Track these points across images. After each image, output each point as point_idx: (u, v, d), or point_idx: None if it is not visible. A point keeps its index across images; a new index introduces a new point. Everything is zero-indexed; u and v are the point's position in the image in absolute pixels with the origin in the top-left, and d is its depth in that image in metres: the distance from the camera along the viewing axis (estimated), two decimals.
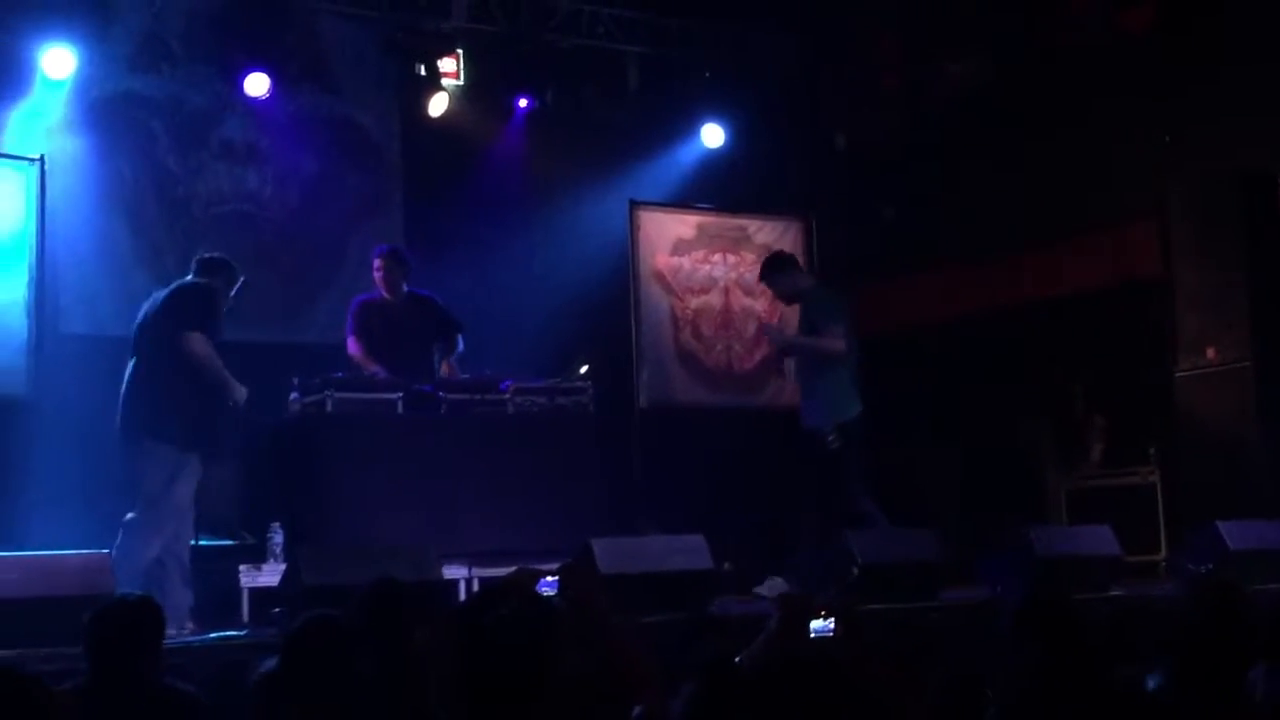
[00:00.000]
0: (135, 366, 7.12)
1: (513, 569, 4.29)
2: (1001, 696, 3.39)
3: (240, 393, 7.07)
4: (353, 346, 8.33)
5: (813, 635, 3.73)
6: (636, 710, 3.26)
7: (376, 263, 8.43)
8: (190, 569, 7.00)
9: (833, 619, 3.73)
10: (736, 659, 3.60)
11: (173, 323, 7.04)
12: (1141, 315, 9.74)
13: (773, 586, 7.61)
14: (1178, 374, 9.36)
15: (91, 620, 4.14)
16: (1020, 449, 10.50)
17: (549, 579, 4.04)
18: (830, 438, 7.90)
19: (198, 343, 6.98)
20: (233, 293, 7.33)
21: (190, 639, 6.25)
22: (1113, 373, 10.12)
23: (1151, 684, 3.54)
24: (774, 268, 8.41)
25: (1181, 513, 9.01)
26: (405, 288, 8.42)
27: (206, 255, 7.41)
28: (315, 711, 3.44)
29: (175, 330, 7.00)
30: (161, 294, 7.23)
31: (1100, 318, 10.10)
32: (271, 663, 3.74)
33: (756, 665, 3.56)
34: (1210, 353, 9.21)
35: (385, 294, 8.40)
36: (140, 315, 7.22)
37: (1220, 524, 7.64)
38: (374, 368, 8.15)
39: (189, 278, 7.30)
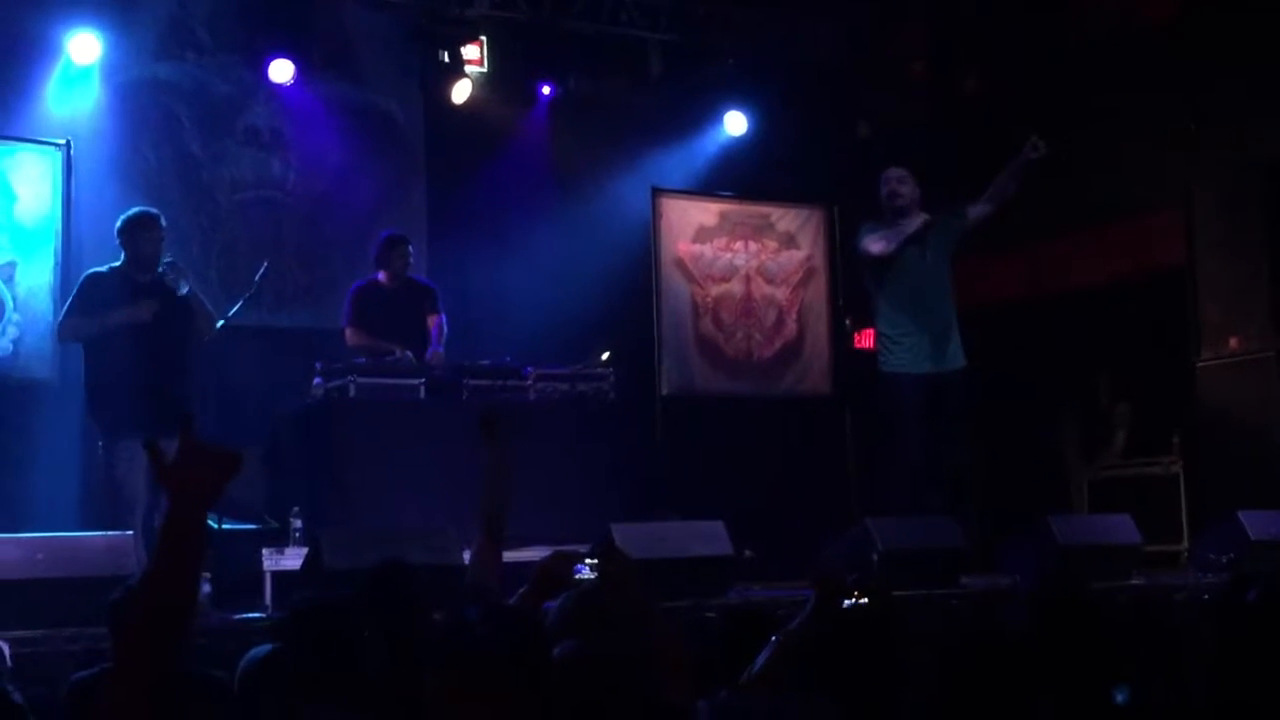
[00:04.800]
0: None
1: (547, 552, 4.32)
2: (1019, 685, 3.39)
3: (138, 311, 7.19)
4: (352, 337, 8.38)
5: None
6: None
7: (410, 247, 8.52)
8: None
9: (865, 599, 3.76)
10: (773, 638, 3.63)
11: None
12: (1165, 305, 9.72)
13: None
14: (1200, 364, 9.35)
15: (110, 606, 4.17)
16: (1043, 438, 10.49)
17: (585, 563, 4.06)
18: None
19: (63, 331, 7.37)
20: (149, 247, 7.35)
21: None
22: (1136, 362, 10.11)
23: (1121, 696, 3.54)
24: None
25: (1204, 502, 9.01)
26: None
27: (116, 226, 7.49)
28: (320, 698, 3.40)
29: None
30: None
31: (1124, 307, 10.08)
32: (262, 650, 3.72)
33: (794, 643, 3.59)
34: (1233, 342, 9.21)
35: (389, 279, 8.44)
36: None
37: (1242, 514, 7.63)
38: (385, 345, 8.18)
39: None
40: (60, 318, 7.45)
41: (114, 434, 7.10)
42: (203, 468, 2.21)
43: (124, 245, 7.35)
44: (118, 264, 7.36)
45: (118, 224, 7.38)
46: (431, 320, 8.43)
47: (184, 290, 7.28)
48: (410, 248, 8.56)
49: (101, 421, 7.23)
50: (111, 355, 7.16)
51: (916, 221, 8.04)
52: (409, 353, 8.16)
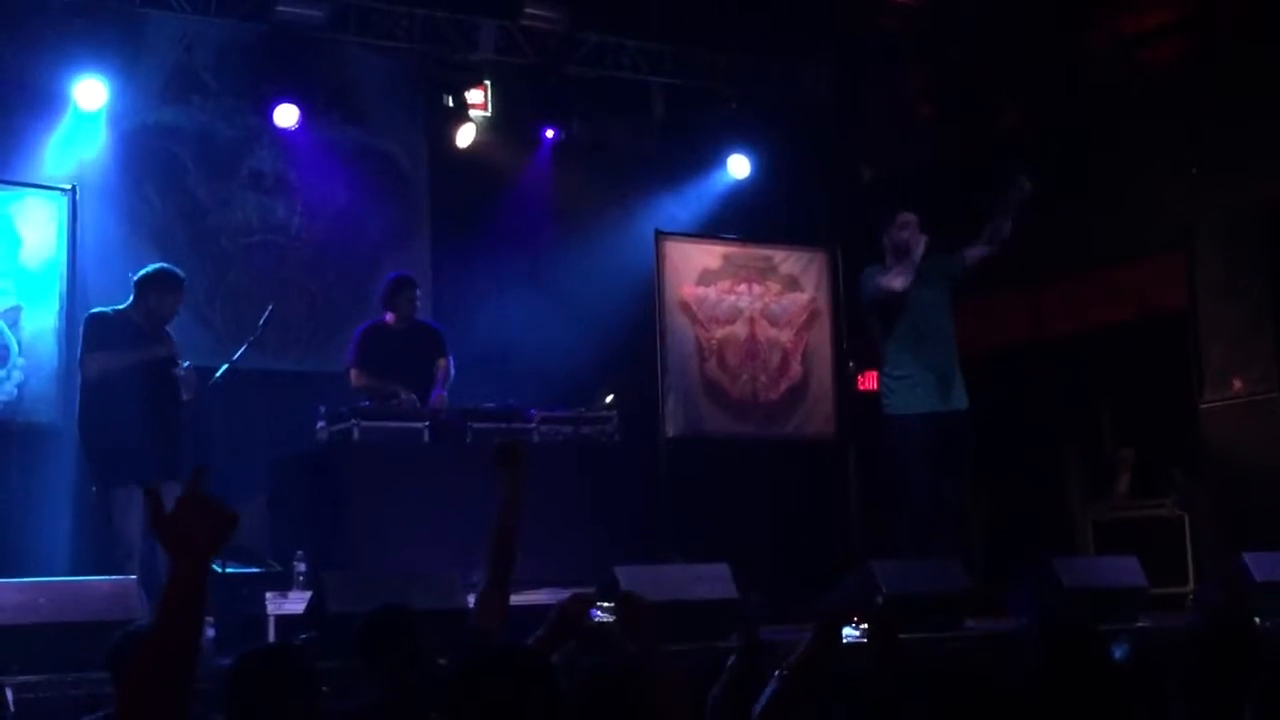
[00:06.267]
0: None
1: (550, 595, 4.30)
2: None
3: (156, 349, 7.19)
4: (356, 378, 8.36)
5: (844, 642, 3.75)
6: None
7: (417, 290, 8.51)
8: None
9: (864, 626, 3.75)
10: (776, 672, 3.61)
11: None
12: (1168, 347, 9.72)
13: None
14: (1204, 406, 9.34)
15: (111, 652, 4.14)
16: (1047, 480, 10.47)
17: (599, 607, 4.05)
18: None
19: (88, 367, 7.24)
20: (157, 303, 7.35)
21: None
22: (1140, 405, 10.10)
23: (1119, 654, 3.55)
24: None
25: (1208, 544, 8.98)
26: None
27: (138, 274, 7.48)
28: None
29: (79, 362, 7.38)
30: None
31: (1127, 350, 10.08)
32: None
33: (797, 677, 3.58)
34: (1237, 384, 9.19)
35: (396, 321, 8.44)
36: None
37: (1247, 555, 7.60)
38: (390, 387, 8.17)
39: None
40: (81, 354, 7.35)
41: (109, 480, 7.07)
42: (198, 522, 2.21)
43: (142, 296, 7.32)
44: (121, 307, 7.36)
45: (141, 274, 7.36)
46: (440, 364, 8.43)
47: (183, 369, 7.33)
48: (418, 290, 8.58)
49: (97, 468, 7.21)
50: (107, 402, 7.14)
51: (919, 247, 8.03)
52: (413, 395, 8.16)
